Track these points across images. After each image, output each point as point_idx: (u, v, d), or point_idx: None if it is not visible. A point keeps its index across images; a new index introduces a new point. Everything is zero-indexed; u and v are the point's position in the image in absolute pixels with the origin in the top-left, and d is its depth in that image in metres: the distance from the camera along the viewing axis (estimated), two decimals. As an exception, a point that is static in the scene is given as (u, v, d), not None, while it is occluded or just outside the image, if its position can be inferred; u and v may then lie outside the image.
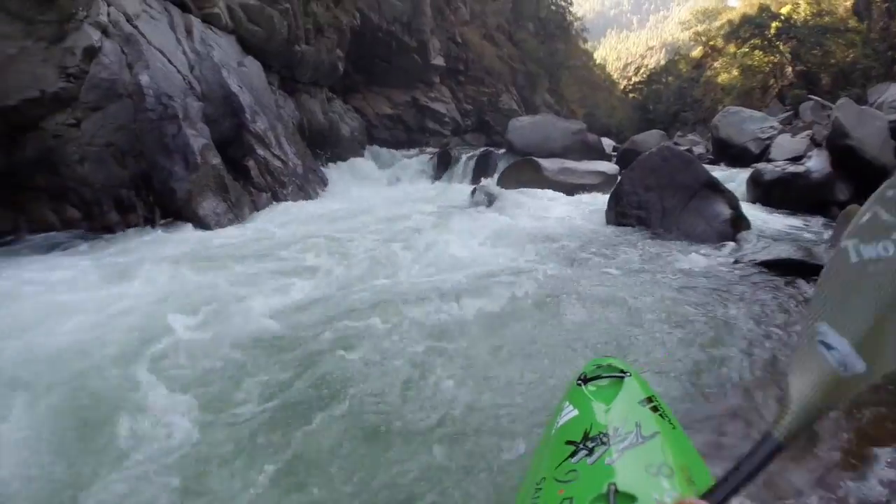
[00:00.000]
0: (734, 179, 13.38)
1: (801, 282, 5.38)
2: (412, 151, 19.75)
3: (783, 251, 6.04)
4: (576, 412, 1.40)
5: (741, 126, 18.21)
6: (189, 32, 10.59)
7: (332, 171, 15.19)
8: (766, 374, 3.49)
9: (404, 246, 7.01)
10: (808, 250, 5.87)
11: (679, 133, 27.96)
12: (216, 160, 9.21)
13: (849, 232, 1.12)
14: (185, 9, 10.94)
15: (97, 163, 8.43)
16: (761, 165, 12.46)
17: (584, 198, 11.60)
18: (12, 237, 7.95)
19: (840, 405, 0.95)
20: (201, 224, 8.43)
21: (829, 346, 1.02)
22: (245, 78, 11.34)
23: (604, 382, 1.53)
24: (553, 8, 36.77)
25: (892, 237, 1.07)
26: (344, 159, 16.69)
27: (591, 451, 1.19)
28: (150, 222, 8.50)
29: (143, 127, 8.68)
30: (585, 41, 50.62)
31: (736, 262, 6.17)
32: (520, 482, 1.27)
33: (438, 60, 22.55)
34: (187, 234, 8.12)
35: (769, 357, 3.76)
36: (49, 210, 8.35)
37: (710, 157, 20.31)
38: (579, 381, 1.55)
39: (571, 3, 40.15)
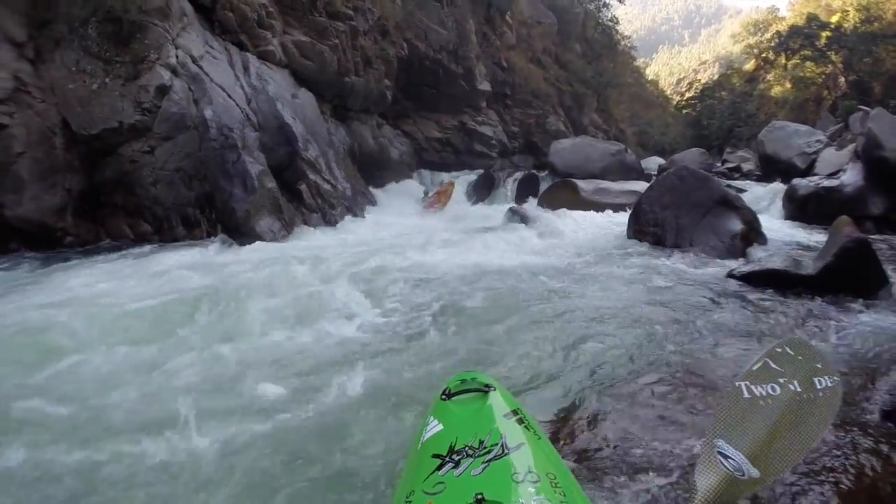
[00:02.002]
0: (773, 196, 13.52)
1: (772, 292, 5.64)
2: (457, 174, 20.44)
3: (773, 263, 6.23)
4: (440, 426, 1.45)
5: (787, 141, 18.07)
6: (246, 69, 11.63)
7: (381, 193, 16.04)
8: (694, 377, 3.55)
9: (426, 258, 7.77)
10: (796, 262, 6.03)
11: (728, 149, 27.72)
12: (272, 184, 10.13)
13: (742, 375, 1.60)
14: (242, 47, 12.02)
15: (168, 185, 9.70)
16: (797, 181, 12.47)
17: (612, 217, 11.97)
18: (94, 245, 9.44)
19: (735, 501, 1.34)
20: (257, 238, 9.38)
21: (725, 457, 1.37)
22: (298, 109, 12.32)
23: (468, 397, 1.59)
24: (600, 28, 37.00)
25: (777, 381, 1.54)
26: (396, 181, 17.57)
27: (457, 464, 1.25)
28: (213, 236, 9.60)
29: (207, 155, 9.74)
30: (634, 59, 50.41)
31: (729, 274, 6.42)
32: (390, 495, 1.53)
33: (485, 85, 23.26)
34: (257, 246, 9.09)
35: (700, 360, 3.91)
36: (125, 224, 9.70)
37: (758, 173, 20.24)
38: (443, 396, 1.60)
39: (618, 23, 40.22)
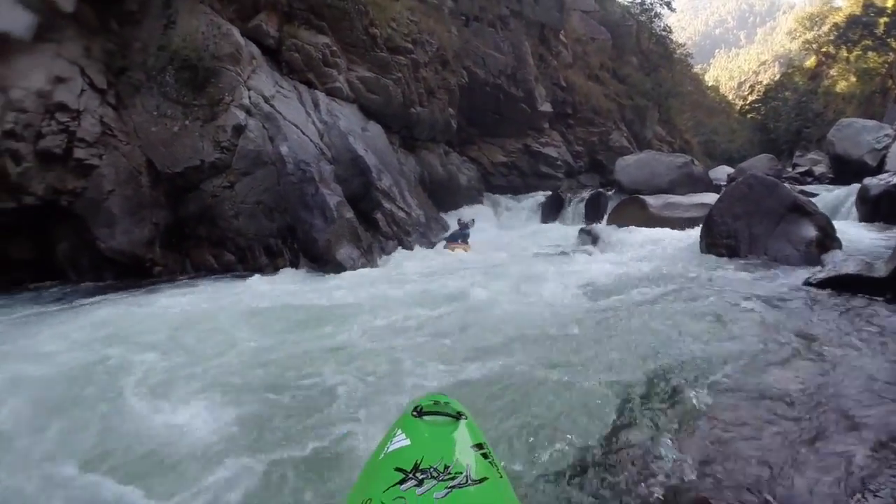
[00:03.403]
0: (846, 198, 12.87)
1: (848, 296, 5.53)
2: (525, 196, 20.42)
3: (846, 268, 6.04)
4: (408, 441, 1.42)
5: (856, 139, 17.40)
6: (316, 105, 11.92)
7: (452, 218, 16.08)
8: (776, 391, 3.52)
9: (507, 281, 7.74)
10: (869, 265, 5.88)
11: (798, 153, 26.68)
12: (349, 214, 10.28)
13: None
14: (310, 85, 12.35)
15: (249, 217, 10.08)
16: (867, 180, 11.91)
17: (684, 232, 11.63)
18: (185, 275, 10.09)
19: None
20: (339, 266, 9.54)
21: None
22: (369, 141, 12.54)
23: (439, 419, 1.55)
24: (654, 39, 36.56)
25: None
26: (468, 205, 17.70)
27: (420, 483, 1.23)
28: (294, 265, 9.84)
29: (286, 188, 10.00)
30: (691, 66, 49.39)
31: (805, 282, 6.30)
32: (343, 498, 1.49)
33: (546, 107, 23.21)
34: (345, 274, 9.35)
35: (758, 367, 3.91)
36: (209, 255, 10.20)
37: (831, 175, 19.39)
38: (415, 413, 1.56)
39: (671, 32, 39.64)
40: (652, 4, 36.90)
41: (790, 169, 22.75)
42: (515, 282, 7.47)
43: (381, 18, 14.46)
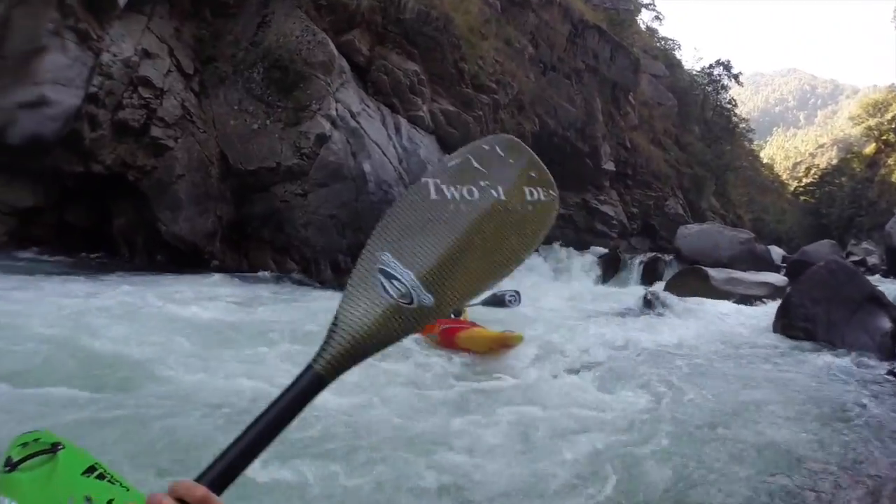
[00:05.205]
0: None
1: None
2: (580, 252, 20.06)
3: None
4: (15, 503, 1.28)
5: None
6: (398, 130, 11.78)
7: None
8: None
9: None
10: None
11: (853, 241, 26.05)
12: (424, 243, 9.97)
13: (433, 172, 1.11)
14: (393, 109, 12.23)
15: (319, 229, 9.86)
16: None
17: (752, 309, 11.46)
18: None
19: (398, 339, 0.91)
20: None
21: (390, 277, 0.94)
22: (445, 174, 12.29)
23: (36, 461, 1.40)
24: (718, 110, 36.40)
25: (479, 183, 1.09)
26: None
27: None
28: None
29: (364, 207, 9.78)
30: (752, 141, 49.00)
31: (890, 372, 6.20)
32: None
33: (609, 165, 23.01)
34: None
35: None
36: (270, 259, 10.01)
37: (884, 267, 18.83)
38: (7, 468, 1.40)
39: (736, 105, 39.46)
40: (720, 76, 36.89)
41: (843, 256, 22.08)
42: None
43: (470, 54, 14.42)
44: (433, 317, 0.92)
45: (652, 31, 39.11)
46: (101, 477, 1.30)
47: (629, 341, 7.47)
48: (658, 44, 38.66)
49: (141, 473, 2.85)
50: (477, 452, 3.50)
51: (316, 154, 10.01)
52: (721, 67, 37.28)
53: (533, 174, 1.17)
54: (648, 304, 11.84)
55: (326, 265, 9.85)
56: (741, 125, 41.70)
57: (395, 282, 0.91)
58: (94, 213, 10.31)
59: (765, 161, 61.93)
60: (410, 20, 13.10)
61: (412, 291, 0.91)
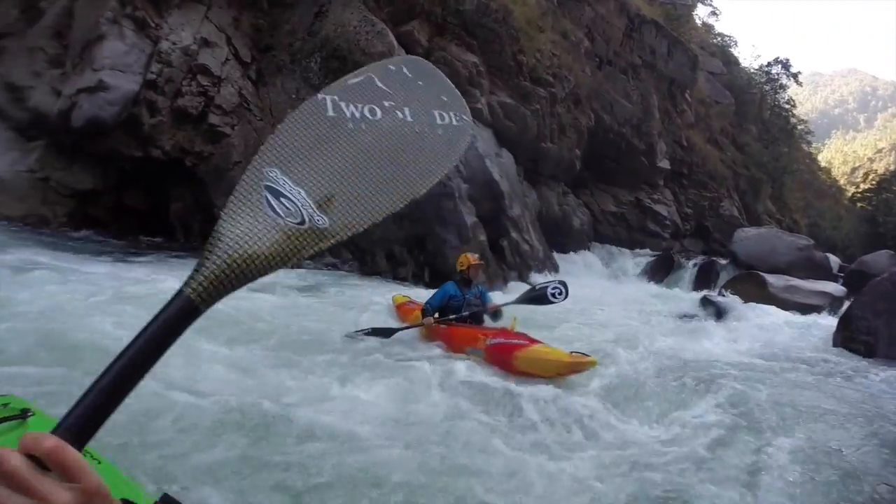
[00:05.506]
0: None
1: None
2: (634, 252, 19.66)
3: None
4: None
5: None
6: (456, 122, 11.54)
7: (560, 260, 15.40)
8: None
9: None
10: None
11: (910, 252, 24.87)
12: (483, 237, 9.81)
13: (332, 88, 1.01)
14: (452, 99, 11.99)
15: None
16: None
17: (809, 319, 11.26)
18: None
19: (285, 264, 0.77)
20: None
21: (277, 194, 0.84)
22: (503, 168, 12.08)
23: (4, 427, 1.37)
24: (776, 110, 35.24)
25: (382, 103, 1.01)
26: (575, 250, 16.93)
27: None
28: (418, 278, 9.33)
29: (422, 199, 9.51)
30: (810, 144, 47.40)
31: None
32: None
33: (664, 163, 22.46)
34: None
35: None
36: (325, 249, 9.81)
37: None
38: None
39: (795, 106, 38.14)
40: (778, 75, 35.75)
41: (899, 267, 21.17)
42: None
43: (528, 47, 14.14)
44: (327, 241, 0.82)
45: (708, 27, 38.18)
46: None
47: (688, 353, 7.21)
48: (714, 40, 37.70)
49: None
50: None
51: (375, 145, 9.90)
52: (780, 66, 36.14)
53: (444, 98, 1.10)
54: (705, 309, 11.58)
55: (382, 256, 9.77)
56: (799, 126, 40.33)
57: (283, 200, 0.83)
58: (151, 196, 10.43)
59: (822, 165, 59.93)
60: (470, 11, 12.91)
61: (303, 211, 0.83)
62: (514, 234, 11.25)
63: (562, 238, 16.52)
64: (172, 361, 3.85)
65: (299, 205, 0.84)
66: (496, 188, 11.07)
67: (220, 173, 9.71)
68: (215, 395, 3.66)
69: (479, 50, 12.97)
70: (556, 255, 15.71)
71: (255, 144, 9.93)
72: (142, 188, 10.41)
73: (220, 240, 0.76)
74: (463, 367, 4.98)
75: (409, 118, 1.04)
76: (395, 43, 10.94)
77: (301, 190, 0.87)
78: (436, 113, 1.08)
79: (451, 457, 3.35)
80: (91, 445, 0.59)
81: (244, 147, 9.86)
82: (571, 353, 4.92)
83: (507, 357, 5.06)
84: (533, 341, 5.19)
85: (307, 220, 0.83)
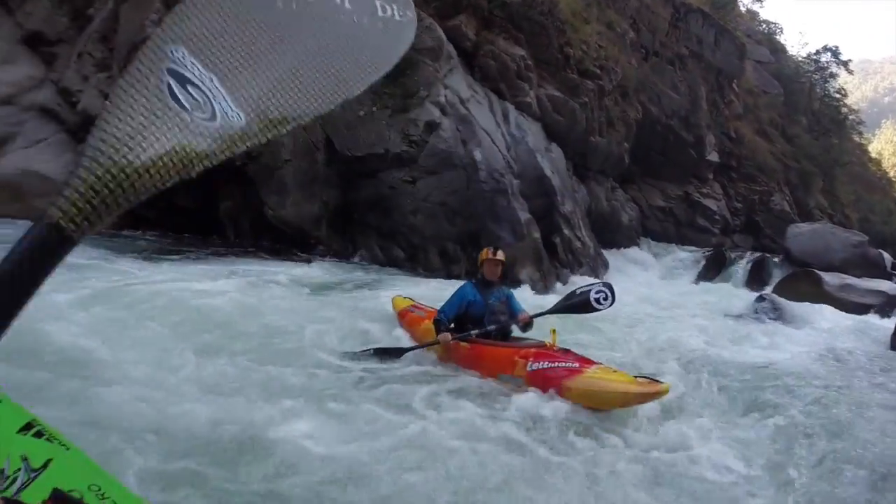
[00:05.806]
0: None
1: None
2: (685, 248, 19.16)
3: None
4: None
5: None
6: (506, 117, 11.36)
7: (609, 257, 15.05)
8: None
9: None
10: None
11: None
12: (536, 234, 9.62)
13: None
14: (500, 95, 11.80)
15: (429, 217, 9.65)
16: None
17: (865, 319, 11.00)
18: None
19: (192, 173, 0.59)
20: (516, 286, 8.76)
21: (183, 80, 0.66)
22: (553, 162, 11.86)
23: None
24: (826, 100, 34.04)
25: None
26: (623, 247, 16.59)
27: None
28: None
29: (475, 195, 9.43)
30: (861, 134, 45.76)
31: None
32: None
33: (713, 156, 21.91)
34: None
35: None
36: (377, 245, 9.93)
37: None
38: None
39: (846, 95, 36.78)
40: (827, 63, 34.54)
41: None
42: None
43: (574, 39, 13.86)
44: (242, 143, 0.69)
45: (753, 14, 37.11)
46: (38, 434, 1.15)
47: (745, 357, 6.88)
48: (760, 27, 36.65)
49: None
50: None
51: (426, 142, 9.81)
52: (829, 53, 34.81)
53: None
54: (761, 309, 11.19)
55: (435, 253, 9.66)
56: (851, 117, 38.99)
57: (190, 88, 0.67)
58: (201, 195, 10.49)
59: (872, 156, 57.83)
60: (516, 4, 12.68)
61: (214, 104, 0.68)
62: (566, 231, 11.01)
63: (610, 234, 16.17)
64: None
65: (210, 96, 0.69)
66: (548, 184, 10.85)
67: (269, 172, 9.75)
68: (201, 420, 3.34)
69: (525, 43, 12.71)
70: (604, 251, 15.43)
71: (304, 143, 9.90)
72: (191, 187, 10.44)
73: (103, 140, 0.58)
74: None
75: (346, 5, 0.92)
76: (443, 37, 10.78)
77: (213, 76, 0.71)
78: (378, 4, 0.96)
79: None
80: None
81: (293, 145, 9.86)
82: (637, 377, 4.13)
83: (555, 386, 4.20)
84: (586, 362, 4.36)
85: (219, 115, 0.68)
